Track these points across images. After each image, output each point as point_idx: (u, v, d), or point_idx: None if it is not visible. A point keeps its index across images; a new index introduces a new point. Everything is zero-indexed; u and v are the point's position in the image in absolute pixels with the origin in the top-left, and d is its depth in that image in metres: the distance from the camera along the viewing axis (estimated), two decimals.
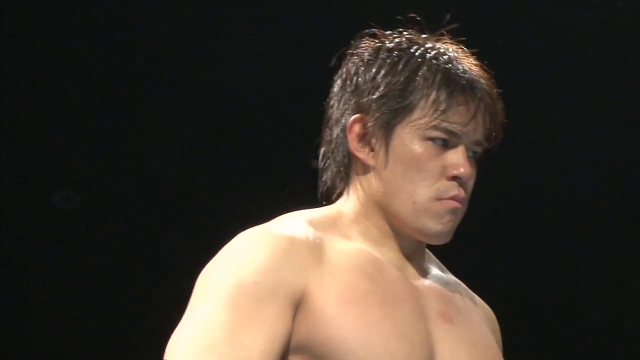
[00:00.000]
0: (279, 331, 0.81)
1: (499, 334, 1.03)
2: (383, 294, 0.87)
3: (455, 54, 0.93)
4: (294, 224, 0.88)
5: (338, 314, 0.83)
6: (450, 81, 0.89)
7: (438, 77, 0.89)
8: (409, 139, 0.89)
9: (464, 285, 1.01)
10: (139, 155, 2.80)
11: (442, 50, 0.92)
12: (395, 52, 0.91)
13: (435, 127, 0.89)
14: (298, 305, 0.82)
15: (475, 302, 1.00)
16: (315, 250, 0.85)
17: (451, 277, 1.00)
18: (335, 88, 0.95)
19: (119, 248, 2.87)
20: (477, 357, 0.92)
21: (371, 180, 0.91)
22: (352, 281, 0.86)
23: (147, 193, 2.87)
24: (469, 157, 0.91)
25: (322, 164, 0.95)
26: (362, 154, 0.91)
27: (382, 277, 0.88)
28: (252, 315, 0.80)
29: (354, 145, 0.91)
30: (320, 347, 0.82)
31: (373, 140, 0.90)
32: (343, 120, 0.92)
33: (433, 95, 0.88)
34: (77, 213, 2.88)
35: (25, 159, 2.79)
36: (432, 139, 0.89)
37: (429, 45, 0.92)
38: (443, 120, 0.88)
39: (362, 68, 0.92)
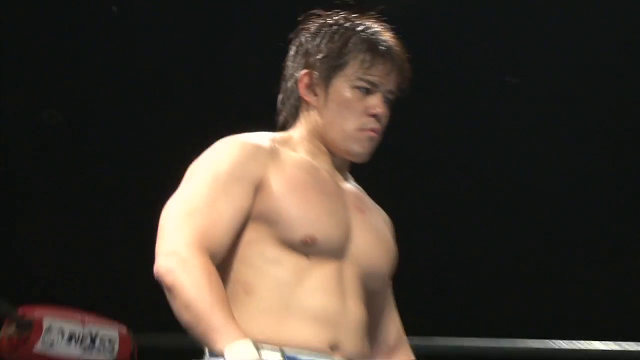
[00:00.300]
0: (243, 205, 1.17)
1: (393, 236, 1.37)
2: (317, 186, 1.24)
3: (378, 28, 1.28)
4: (259, 137, 1.25)
5: (285, 194, 1.19)
6: (373, 47, 1.25)
7: (365, 45, 1.25)
8: (342, 87, 1.26)
9: (373, 205, 1.38)
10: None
11: (368, 25, 1.28)
12: (334, 26, 1.27)
13: (360, 79, 1.25)
14: (258, 188, 1.19)
15: (378, 208, 1.37)
16: (272, 154, 1.22)
17: (362, 190, 1.38)
18: (291, 53, 1.31)
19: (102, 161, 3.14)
20: (379, 241, 1.30)
21: (314, 116, 1.28)
22: (296, 175, 1.23)
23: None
24: (384, 102, 1.27)
25: (280, 105, 1.32)
26: (308, 97, 1.28)
27: (317, 176, 1.26)
28: (226, 192, 1.16)
29: (303, 91, 1.28)
30: (272, 216, 1.18)
31: (317, 89, 1.27)
32: (296, 75, 1.29)
33: (360, 57, 1.24)
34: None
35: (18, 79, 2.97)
36: (358, 88, 1.25)
37: (358, 22, 1.28)
38: (367, 75, 1.25)
39: (310, 38, 1.28)
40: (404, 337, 1.38)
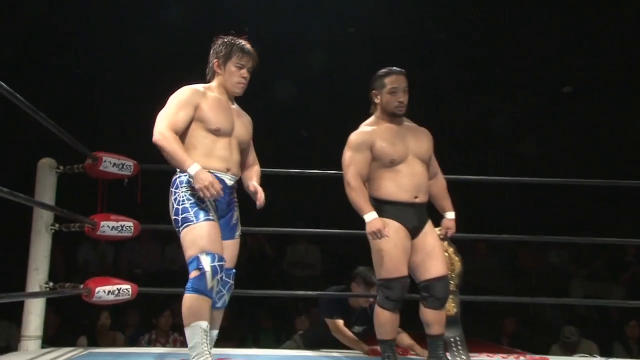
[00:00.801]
0: (187, 117, 2.77)
1: (251, 124, 2.98)
2: (221, 106, 2.85)
3: (244, 41, 2.90)
4: (198, 86, 2.85)
5: (208, 109, 2.80)
6: (242, 49, 2.88)
7: (239, 48, 2.88)
8: (230, 66, 2.88)
9: (245, 115, 2.99)
10: None
11: (240, 40, 2.90)
12: (227, 41, 2.89)
13: (238, 63, 2.87)
14: (197, 107, 2.78)
15: (245, 114, 2.98)
16: (203, 93, 2.83)
17: (238, 107, 2.96)
18: (211, 52, 2.92)
19: None
20: (245, 128, 2.93)
21: (220, 76, 2.90)
22: (213, 101, 2.83)
23: None
24: (248, 72, 2.90)
25: (207, 73, 2.93)
26: (218, 70, 2.90)
27: (221, 102, 2.87)
28: (181, 109, 2.76)
29: (216, 68, 2.90)
30: (202, 118, 2.78)
31: (221, 67, 2.89)
32: (212, 61, 2.92)
33: (239, 54, 2.87)
34: None
35: None
36: (237, 66, 2.87)
37: (236, 39, 2.90)
38: (241, 60, 2.87)
39: (217, 46, 2.91)
40: (257, 161, 3.04)
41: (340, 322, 3.87)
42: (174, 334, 5.38)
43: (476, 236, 4.06)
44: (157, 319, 5.42)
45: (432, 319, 3.01)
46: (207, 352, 2.57)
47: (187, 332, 2.60)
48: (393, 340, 3.01)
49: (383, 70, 3.06)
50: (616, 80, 7.62)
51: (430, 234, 3.03)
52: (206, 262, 2.57)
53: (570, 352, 5.14)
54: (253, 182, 2.90)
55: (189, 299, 2.58)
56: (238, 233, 2.86)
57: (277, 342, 5.81)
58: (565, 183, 4.98)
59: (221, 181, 2.72)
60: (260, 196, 2.84)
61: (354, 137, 3.03)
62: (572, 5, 7.30)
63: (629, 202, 7.10)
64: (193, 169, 2.61)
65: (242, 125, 2.89)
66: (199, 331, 2.56)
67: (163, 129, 2.66)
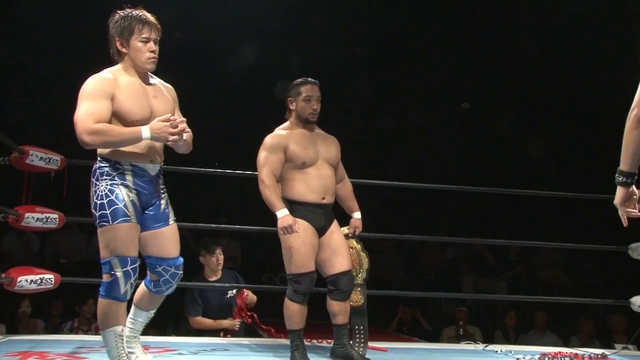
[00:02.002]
0: (108, 107, 2.47)
1: (176, 99, 2.74)
2: (137, 92, 2.55)
3: (143, 12, 2.57)
4: (106, 72, 2.55)
5: (123, 99, 2.50)
6: (144, 21, 2.56)
7: (139, 20, 2.56)
8: (134, 42, 2.55)
9: (159, 82, 2.69)
10: None
11: (139, 11, 2.57)
12: (125, 13, 2.55)
13: (141, 36, 2.55)
14: (112, 99, 2.48)
15: (166, 88, 2.71)
16: (114, 80, 2.52)
17: (156, 82, 2.68)
18: (110, 29, 2.58)
19: None
20: (166, 107, 2.61)
21: (126, 56, 2.57)
22: (127, 89, 2.53)
23: None
24: (155, 44, 2.58)
25: (112, 53, 2.60)
26: (122, 49, 2.58)
27: (136, 86, 2.56)
28: (97, 102, 2.45)
29: (119, 47, 2.58)
30: (120, 112, 2.49)
31: (125, 45, 2.56)
32: (113, 41, 2.59)
33: (139, 26, 2.55)
34: None
35: None
36: (141, 41, 2.54)
37: (136, 11, 2.57)
38: (143, 34, 2.55)
39: (116, 22, 2.57)
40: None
41: (196, 318, 4.22)
42: (97, 322, 5.18)
43: (382, 235, 4.18)
44: (80, 307, 5.23)
45: (338, 309, 3.10)
46: (124, 356, 2.52)
47: (103, 336, 2.54)
48: (301, 330, 3.05)
49: (299, 80, 3.12)
50: (511, 96, 8.01)
51: (336, 232, 3.12)
52: (118, 267, 2.44)
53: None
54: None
55: (102, 305, 2.49)
56: (173, 218, 2.66)
57: (196, 331, 5.73)
58: (461, 190, 5.20)
59: (145, 172, 2.54)
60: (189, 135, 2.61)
61: (269, 139, 3.07)
62: (469, 26, 7.61)
63: (515, 208, 7.49)
64: (145, 132, 2.43)
65: (162, 103, 2.58)
66: (113, 336, 2.49)
67: (90, 126, 2.39)
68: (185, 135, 2.54)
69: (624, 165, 2.05)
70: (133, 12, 2.53)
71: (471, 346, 4.12)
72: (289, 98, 3.13)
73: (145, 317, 2.76)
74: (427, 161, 8.16)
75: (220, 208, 7.60)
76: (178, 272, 2.67)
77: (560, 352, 3.65)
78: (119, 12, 2.55)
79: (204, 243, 4.44)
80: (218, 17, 6.85)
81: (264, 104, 7.42)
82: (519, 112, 8.05)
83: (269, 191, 2.97)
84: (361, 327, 3.20)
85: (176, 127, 2.46)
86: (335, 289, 3.08)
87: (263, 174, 2.99)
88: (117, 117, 2.47)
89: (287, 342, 3.72)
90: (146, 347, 3.21)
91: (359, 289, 3.24)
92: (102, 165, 2.51)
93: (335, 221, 3.15)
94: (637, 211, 2.12)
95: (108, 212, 2.44)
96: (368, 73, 7.95)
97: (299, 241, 2.97)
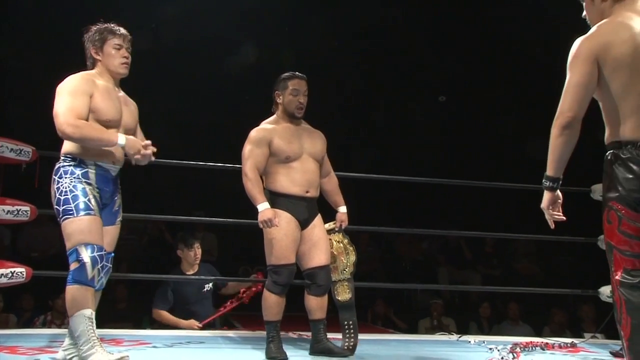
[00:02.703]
0: (87, 104, 2.59)
1: (136, 109, 2.83)
2: (111, 95, 2.68)
3: (115, 26, 2.75)
4: (85, 74, 2.69)
5: (100, 100, 2.62)
6: (115, 31, 2.74)
7: (111, 31, 2.74)
8: (108, 49, 2.72)
9: (130, 100, 2.81)
10: None
11: (112, 25, 2.76)
12: (98, 27, 2.74)
13: (115, 44, 2.72)
14: (91, 97, 2.60)
15: (129, 99, 2.80)
16: (93, 81, 2.65)
17: (123, 94, 2.79)
18: (84, 40, 2.75)
19: None
20: (132, 115, 2.78)
21: (100, 62, 2.72)
22: (103, 91, 2.66)
23: None
24: (127, 50, 2.75)
25: (87, 61, 2.75)
26: (97, 56, 2.73)
27: (111, 90, 2.69)
28: (79, 97, 2.58)
29: (93, 54, 2.74)
30: (95, 111, 2.60)
31: (99, 52, 2.72)
32: (88, 50, 2.75)
33: (111, 35, 2.72)
34: None
35: None
36: (114, 47, 2.72)
37: (107, 25, 2.75)
38: (116, 41, 2.72)
39: (92, 33, 2.74)
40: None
41: (160, 311, 4.23)
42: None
43: (359, 228, 4.19)
44: (54, 301, 5.16)
45: (315, 305, 3.10)
46: (95, 338, 2.51)
47: (72, 321, 2.52)
48: (278, 321, 3.05)
49: (286, 74, 3.14)
50: (484, 90, 8.08)
51: (318, 226, 3.13)
52: (85, 254, 2.50)
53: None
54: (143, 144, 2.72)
55: (71, 290, 2.51)
56: (119, 219, 2.76)
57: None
58: (436, 182, 5.24)
59: (107, 172, 2.65)
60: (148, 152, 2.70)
61: (254, 133, 3.08)
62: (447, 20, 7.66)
63: (491, 200, 7.57)
64: (121, 139, 2.59)
65: (129, 112, 2.76)
66: (84, 319, 2.49)
67: (72, 120, 2.52)
68: (149, 159, 2.72)
69: (549, 170, 2.11)
70: (105, 25, 2.74)
71: (445, 337, 4.17)
72: (276, 92, 3.14)
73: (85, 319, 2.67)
74: (403, 154, 8.20)
75: (196, 201, 7.56)
76: (108, 264, 2.65)
77: (531, 342, 3.72)
78: (92, 26, 2.74)
79: (181, 237, 4.42)
80: (213, 13, 6.81)
81: (244, 98, 7.41)
82: (494, 105, 8.13)
83: (251, 184, 2.99)
84: (350, 322, 3.17)
85: (147, 151, 2.66)
86: (312, 282, 3.09)
87: (247, 167, 3.01)
88: (93, 113, 2.60)
89: (261, 334, 3.73)
90: (119, 341, 3.20)
91: (346, 283, 3.22)
92: (66, 163, 2.60)
93: (318, 215, 3.16)
94: (561, 215, 2.20)
95: (72, 205, 2.53)
96: (347, 66, 7.96)
97: (280, 233, 2.99)
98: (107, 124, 2.61)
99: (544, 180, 2.16)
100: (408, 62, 8.08)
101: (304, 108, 3.13)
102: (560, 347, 3.67)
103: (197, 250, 4.27)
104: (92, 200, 2.57)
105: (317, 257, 3.07)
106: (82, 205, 2.53)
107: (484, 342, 3.76)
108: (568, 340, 3.89)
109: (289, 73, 3.15)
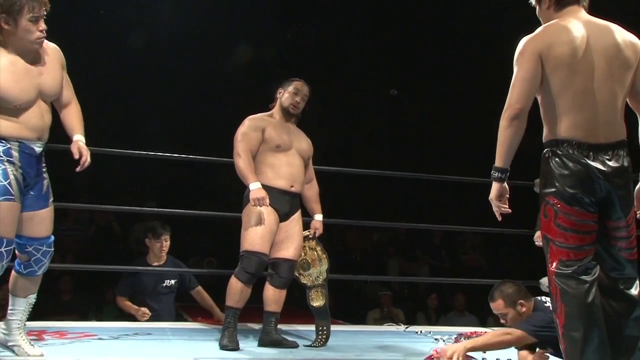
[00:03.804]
0: None
1: (64, 61, 2.56)
2: (20, 73, 2.37)
3: None
4: None
5: (3, 82, 2.32)
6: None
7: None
8: (23, 22, 2.33)
9: (44, 50, 2.46)
10: None
11: None
12: None
13: (32, 15, 2.34)
14: None
15: (50, 53, 2.50)
16: None
17: (42, 53, 2.46)
18: None
19: None
20: (53, 79, 2.47)
21: (12, 36, 2.35)
22: (7, 71, 2.33)
23: None
24: (44, 23, 2.35)
25: None
26: (7, 27, 2.32)
27: (19, 67, 2.37)
28: None
29: (3, 25, 2.32)
30: (1, 97, 2.34)
31: (10, 24, 2.33)
32: None
33: (29, 4, 2.31)
34: None
35: None
36: (31, 20, 2.32)
37: None
38: (34, 12, 2.34)
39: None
40: (74, 96, 2.64)
41: (121, 298, 4.11)
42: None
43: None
44: None
45: (271, 296, 3.11)
46: None
47: None
48: (238, 309, 3.03)
49: (294, 78, 3.26)
50: (436, 83, 8.21)
51: (297, 221, 3.17)
52: None
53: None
54: (77, 143, 2.55)
55: None
56: (51, 200, 2.55)
57: (120, 316, 5.60)
58: (385, 175, 5.30)
59: (31, 149, 2.42)
60: (84, 159, 2.54)
61: (248, 120, 3.17)
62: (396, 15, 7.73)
63: (439, 193, 7.71)
64: None
65: (49, 79, 2.44)
66: None
67: None
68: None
69: (498, 161, 2.18)
70: None
71: (393, 328, 4.23)
72: (279, 89, 3.24)
73: (24, 304, 2.57)
74: (353, 146, 8.26)
75: (147, 192, 7.43)
76: (50, 249, 2.55)
77: (475, 331, 3.81)
78: None
79: (150, 226, 4.22)
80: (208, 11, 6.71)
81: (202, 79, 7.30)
82: (445, 98, 8.26)
83: (244, 163, 3.02)
84: (324, 328, 3.19)
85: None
86: (275, 273, 3.11)
87: (239, 149, 3.05)
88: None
89: (210, 326, 3.70)
90: (63, 333, 3.11)
91: (320, 289, 3.24)
92: None
93: (299, 211, 3.20)
94: (507, 207, 2.26)
95: None
96: (301, 57, 7.95)
97: (259, 222, 3.00)
98: (19, 107, 2.37)
99: (492, 172, 2.21)
100: (357, 52, 8.13)
101: (298, 108, 3.22)
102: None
103: (164, 242, 4.09)
104: (14, 184, 2.36)
105: (286, 250, 3.10)
106: (2, 190, 2.33)
107: (430, 333, 3.83)
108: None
109: (297, 78, 3.27)
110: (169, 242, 4.14)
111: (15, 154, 2.38)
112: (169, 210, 4.46)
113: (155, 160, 4.27)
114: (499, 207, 2.25)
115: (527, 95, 2.12)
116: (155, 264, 4.12)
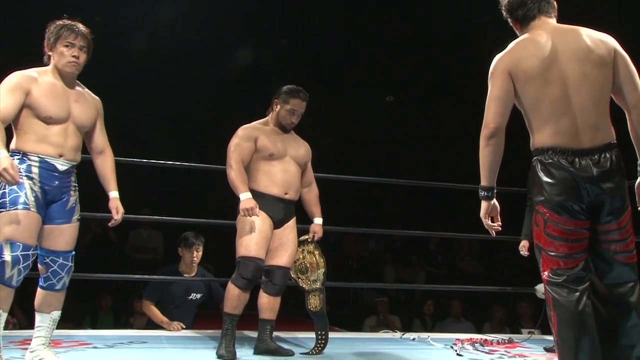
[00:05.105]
0: (20, 100, 2.54)
1: (102, 111, 2.80)
2: (56, 92, 2.62)
3: (71, 22, 2.65)
4: (30, 71, 2.62)
5: (40, 95, 2.57)
6: (71, 29, 2.64)
7: (67, 28, 2.64)
8: (59, 47, 2.62)
9: (86, 92, 2.76)
10: None
11: (71, 22, 2.66)
12: (57, 24, 2.65)
13: (66, 42, 2.63)
14: (27, 94, 2.55)
15: (92, 98, 2.78)
16: (34, 79, 2.59)
17: (83, 90, 2.75)
18: (46, 35, 2.66)
19: None
20: (86, 113, 2.70)
21: (53, 60, 2.65)
22: (46, 87, 2.60)
23: None
24: (79, 50, 2.64)
25: (44, 56, 2.69)
26: (49, 52, 2.66)
27: (57, 88, 2.63)
28: (10, 95, 2.52)
29: (46, 49, 2.67)
30: (33, 107, 2.55)
31: (52, 49, 2.65)
32: (45, 43, 2.67)
33: (66, 32, 2.64)
34: None
35: None
36: (65, 46, 2.62)
37: (68, 22, 2.65)
38: (68, 39, 2.63)
39: (49, 29, 2.65)
40: (108, 144, 2.83)
41: (148, 303, 4.01)
42: (8, 317, 4.94)
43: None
44: None
45: (266, 303, 3.11)
46: None
47: None
48: (236, 316, 3.03)
49: (293, 88, 3.19)
50: (432, 89, 8.23)
51: (291, 228, 3.17)
52: (7, 251, 2.43)
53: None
54: (115, 201, 2.78)
55: None
56: (76, 217, 2.66)
57: (116, 324, 5.58)
58: (381, 182, 5.30)
59: (52, 166, 2.56)
60: (118, 220, 2.80)
61: (242, 129, 3.17)
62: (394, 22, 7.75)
63: (436, 200, 7.71)
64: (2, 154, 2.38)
65: (82, 109, 2.67)
66: None
67: None
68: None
69: (483, 180, 2.22)
70: (65, 22, 2.65)
71: (389, 335, 4.22)
72: (276, 100, 3.22)
73: (49, 320, 2.65)
74: (350, 152, 8.27)
75: (143, 199, 7.41)
76: (67, 263, 2.63)
77: (471, 338, 3.81)
78: (56, 21, 2.67)
79: (183, 236, 4.14)
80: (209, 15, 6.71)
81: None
82: (441, 104, 8.28)
83: (235, 175, 3.04)
84: (323, 332, 3.19)
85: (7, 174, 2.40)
86: (268, 280, 3.11)
87: (232, 160, 3.07)
88: (31, 109, 2.55)
89: (205, 333, 3.68)
90: (58, 342, 3.10)
91: (317, 293, 3.24)
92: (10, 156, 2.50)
93: (294, 218, 3.21)
94: (497, 225, 2.30)
95: (7, 199, 2.47)
96: (293, 62, 7.97)
97: (253, 229, 3.01)
98: (48, 121, 2.55)
99: (479, 191, 2.25)
100: (355, 59, 8.14)
101: (294, 126, 3.24)
102: (498, 343, 3.78)
103: (195, 253, 4.03)
104: (30, 196, 2.49)
105: (280, 257, 3.10)
106: (17, 199, 2.46)
107: (428, 338, 3.83)
108: (506, 336, 4.00)
109: (294, 88, 3.20)
110: (200, 253, 4.07)
111: (35, 170, 2.53)
112: (165, 218, 4.44)
113: (151, 166, 4.25)
114: (489, 225, 2.29)
115: (501, 114, 2.15)
116: (186, 275, 4.07)
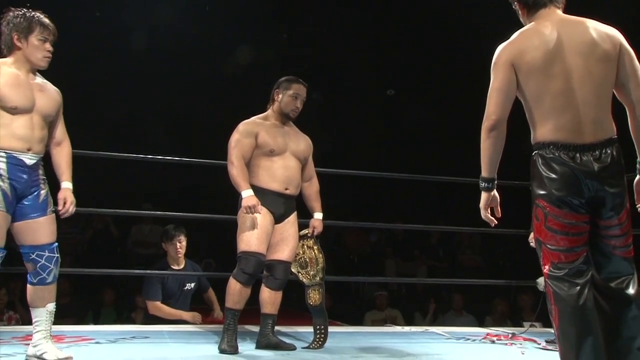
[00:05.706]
0: None
1: (61, 102, 2.73)
2: (20, 82, 2.57)
3: (41, 15, 2.63)
4: None
5: (3, 86, 2.50)
6: (44, 24, 2.62)
7: (40, 22, 2.61)
8: (33, 40, 2.60)
9: (47, 82, 2.70)
10: None
11: (38, 14, 2.62)
12: (24, 13, 2.61)
13: (41, 36, 2.61)
14: None
15: (50, 88, 2.71)
16: None
17: (43, 80, 2.69)
18: (4, 25, 2.61)
19: None
20: (50, 101, 2.67)
21: (20, 51, 2.60)
22: (9, 78, 2.54)
23: None
24: (50, 44, 2.65)
25: (3, 47, 2.62)
26: (19, 44, 2.61)
27: (20, 78, 2.58)
28: None
29: (15, 41, 2.60)
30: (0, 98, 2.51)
31: (22, 41, 2.60)
32: (8, 34, 2.62)
33: (40, 27, 2.61)
34: None
35: None
36: (40, 40, 2.61)
37: (35, 13, 2.62)
38: (43, 34, 2.62)
39: (14, 18, 2.61)
40: (67, 135, 2.77)
41: (156, 303, 4.01)
42: (9, 312, 4.99)
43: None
44: None
45: (267, 298, 3.12)
46: None
47: None
48: (237, 311, 3.04)
49: (291, 77, 3.23)
50: (433, 83, 8.21)
51: (292, 223, 3.18)
52: None
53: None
54: (65, 191, 2.69)
55: None
56: (51, 209, 2.64)
57: (118, 319, 5.59)
58: (381, 176, 5.29)
59: (21, 161, 2.53)
60: (65, 210, 2.68)
61: (242, 125, 3.17)
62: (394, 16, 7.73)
63: (436, 194, 7.70)
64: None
65: (46, 99, 2.64)
66: None
67: None
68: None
69: (483, 172, 2.22)
70: (33, 13, 2.63)
71: (390, 329, 4.23)
72: (276, 90, 3.22)
73: (45, 313, 2.64)
74: (352, 147, 8.26)
75: (144, 194, 7.41)
76: (53, 254, 2.62)
77: (503, 335, 3.80)
78: (15, 9, 2.63)
79: (164, 230, 4.19)
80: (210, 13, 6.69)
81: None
82: (442, 98, 8.26)
83: (237, 171, 3.04)
84: (322, 327, 3.20)
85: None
86: (270, 274, 3.12)
87: (233, 156, 3.07)
88: None
89: (207, 328, 3.69)
90: (60, 337, 3.11)
91: (317, 288, 3.25)
92: None
93: (295, 213, 3.22)
94: (494, 219, 2.31)
95: None
96: (291, 57, 7.95)
97: (254, 224, 3.02)
98: (14, 111, 2.52)
99: (480, 182, 2.25)
100: (354, 52, 8.12)
101: (298, 112, 3.23)
102: (500, 337, 3.78)
103: (178, 244, 4.05)
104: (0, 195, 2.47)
105: (281, 251, 3.12)
106: None
107: (426, 331, 3.84)
108: (509, 330, 4.01)
109: (293, 77, 3.24)
110: (184, 244, 4.09)
111: (2, 166, 2.50)
112: (166, 213, 4.45)
113: (152, 162, 4.25)
114: (487, 217, 2.29)
115: (502, 106, 2.14)
116: (175, 267, 4.09)
